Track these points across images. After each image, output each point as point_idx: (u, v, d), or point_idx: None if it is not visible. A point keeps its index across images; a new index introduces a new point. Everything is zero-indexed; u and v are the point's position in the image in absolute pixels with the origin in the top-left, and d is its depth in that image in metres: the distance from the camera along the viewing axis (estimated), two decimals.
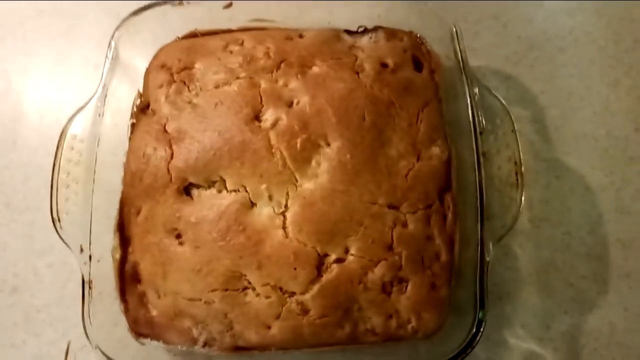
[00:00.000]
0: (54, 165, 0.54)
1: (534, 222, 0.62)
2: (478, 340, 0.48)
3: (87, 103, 0.58)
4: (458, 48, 0.56)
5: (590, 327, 0.59)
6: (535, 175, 0.63)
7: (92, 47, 0.73)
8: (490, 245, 0.50)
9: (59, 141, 0.54)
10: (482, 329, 0.48)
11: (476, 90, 0.54)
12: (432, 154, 0.56)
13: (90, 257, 0.53)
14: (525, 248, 0.61)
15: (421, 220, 0.54)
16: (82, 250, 0.53)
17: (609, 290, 0.60)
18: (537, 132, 0.65)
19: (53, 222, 0.53)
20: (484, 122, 0.53)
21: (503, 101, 0.53)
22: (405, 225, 0.54)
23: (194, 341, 0.53)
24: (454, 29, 0.57)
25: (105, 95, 0.57)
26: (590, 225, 0.62)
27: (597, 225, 0.62)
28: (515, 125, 0.53)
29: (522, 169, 0.52)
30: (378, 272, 0.52)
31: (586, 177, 0.63)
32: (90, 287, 0.52)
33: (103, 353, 0.49)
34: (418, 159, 0.55)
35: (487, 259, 0.49)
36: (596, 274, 0.60)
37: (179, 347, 0.54)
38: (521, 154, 0.52)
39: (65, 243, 0.53)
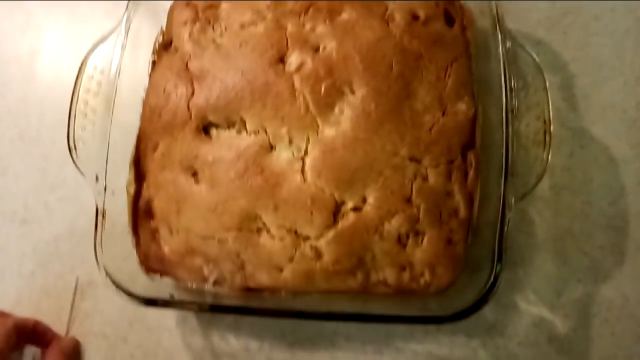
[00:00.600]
0: (73, 91, 0.53)
1: (554, 189, 0.61)
2: (494, 294, 0.47)
3: (109, 35, 0.56)
4: (493, 2, 0.54)
5: (602, 297, 0.58)
6: (559, 142, 0.62)
7: None
8: (512, 201, 0.49)
9: (80, 68, 0.54)
10: (498, 283, 0.47)
11: (509, 45, 0.52)
12: (458, 109, 0.55)
13: (105, 187, 0.52)
14: (544, 215, 0.60)
15: (442, 175, 0.53)
16: (97, 179, 0.52)
17: (625, 262, 0.59)
18: (564, 99, 0.63)
19: (69, 150, 0.52)
20: (514, 79, 0.52)
21: (536, 58, 0.52)
22: (425, 178, 0.53)
23: (204, 279, 0.53)
24: None
25: (128, 29, 0.56)
26: (612, 196, 0.60)
27: (618, 197, 0.60)
28: (547, 84, 0.51)
29: (551, 128, 0.50)
30: (395, 223, 0.52)
31: (611, 148, 0.62)
32: (103, 217, 0.51)
33: (113, 282, 0.49)
34: (443, 114, 0.54)
35: (508, 216, 0.49)
36: (614, 245, 0.59)
37: (189, 284, 0.53)
38: (551, 113, 0.51)
39: (80, 171, 0.52)
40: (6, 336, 0.54)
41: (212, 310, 0.48)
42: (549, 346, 0.58)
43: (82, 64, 0.54)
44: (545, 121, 0.51)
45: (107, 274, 0.49)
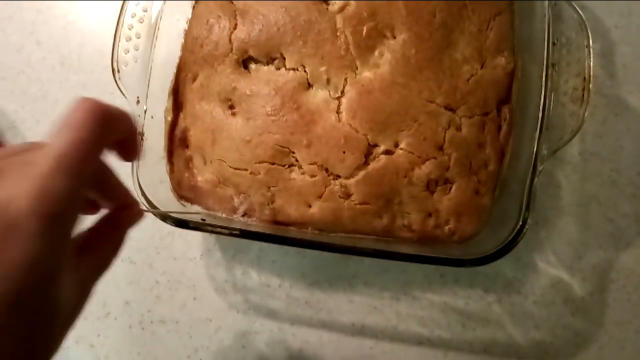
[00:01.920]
0: (119, 16, 0.54)
1: (583, 155, 0.61)
2: (521, 239, 0.48)
3: None
4: None
5: (622, 264, 0.59)
6: (593, 109, 0.62)
7: None
8: (545, 153, 0.49)
9: None
10: (525, 230, 0.47)
11: (554, 1, 0.52)
12: (497, 63, 0.55)
13: (145, 110, 0.53)
14: (571, 179, 0.61)
15: (476, 126, 0.53)
16: (138, 101, 0.53)
17: None
18: (602, 66, 0.63)
19: (112, 71, 0.53)
20: (558, 35, 0.51)
21: (582, 14, 0.51)
22: (459, 128, 0.53)
23: (234, 210, 0.54)
24: None
25: None
26: None
27: None
28: (590, 41, 0.51)
29: (590, 85, 0.50)
30: (425, 169, 0.52)
31: None
32: (142, 139, 0.52)
33: (148, 202, 0.50)
34: (482, 66, 0.54)
35: (540, 168, 0.49)
36: (638, 214, 0.59)
37: (219, 213, 0.55)
38: (592, 69, 0.50)
39: (122, 92, 0.53)
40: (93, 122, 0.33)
41: (242, 236, 0.49)
42: (564, 307, 0.59)
43: None
44: (584, 78, 0.51)
45: (143, 193, 0.50)
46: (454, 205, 0.53)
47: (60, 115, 0.33)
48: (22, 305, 0.28)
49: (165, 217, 0.50)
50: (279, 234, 0.52)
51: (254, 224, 0.54)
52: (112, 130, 0.35)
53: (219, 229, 0.50)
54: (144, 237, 0.62)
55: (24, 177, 0.29)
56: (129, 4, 0.55)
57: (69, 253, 0.32)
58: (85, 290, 0.36)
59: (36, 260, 0.28)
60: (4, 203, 0.28)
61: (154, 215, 0.50)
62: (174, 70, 0.57)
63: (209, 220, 0.53)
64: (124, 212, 0.41)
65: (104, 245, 0.38)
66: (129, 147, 0.39)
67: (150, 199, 0.52)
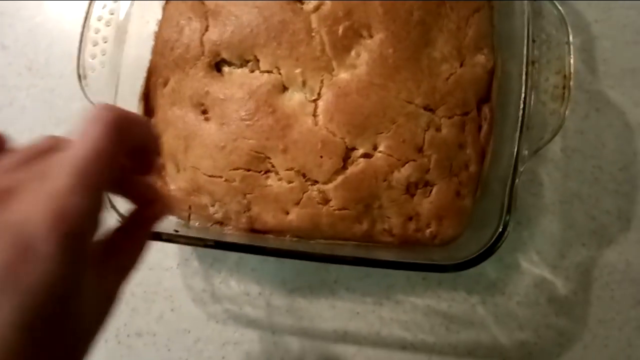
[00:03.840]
0: (85, 16, 0.52)
1: (565, 151, 0.60)
2: (502, 243, 0.47)
3: None
4: None
5: (605, 262, 0.58)
6: (574, 105, 0.61)
7: None
8: (526, 154, 0.48)
9: None
10: (506, 233, 0.47)
11: None
12: (476, 61, 0.53)
13: None
14: (553, 176, 0.60)
15: (456, 126, 0.52)
16: None
17: (631, 228, 0.59)
18: (583, 61, 0.62)
19: (79, 77, 0.51)
20: (537, 32, 0.50)
21: (562, 10, 0.50)
22: (439, 129, 0.52)
23: (210, 218, 0.53)
24: None
25: None
26: (624, 162, 0.60)
27: (630, 164, 0.60)
28: (570, 37, 0.50)
29: (571, 83, 0.49)
30: (404, 172, 0.51)
31: (627, 113, 0.61)
32: None
33: (118, 212, 0.48)
34: (461, 65, 0.53)
35: (520, 169, 0.48)
36: (621, 211, 0.59)
37: (194, 222, 0.53)
38: (572, 67, 0.49)
39: (90, 100, 0.51)
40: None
41: (217, 247, 0.48)
42: (548, 307, 0.58)
43: None
44: (565, 75, 0.50)
45: (112, 206, 0.48)
46: (434, 208, 0.52)
47: (77, 121, 0.30)
48: (44, 329, 0.27)
49: None
50: (256, 243, 0.50)
51: (230, 233, 0.53)
52: (131, 138, 0.32)
53: (193, 241, 0.48)
54: None
55: (40, 194, 0.27)
56: (94, 6, 0.53)
57: (90, 265, 0.30)
58: (112, 296, 0.34)
59: (56, 283, 0.27)
60: (19, 224, 0.26)
61: None
62: (144, 74, 0.55)
63: (182, 231, 0.51)
64: (148, 209, 0.38)
65: (128, 247, 0.36)
66: (147, 159, 0.36)
67: (120, 209, 0.50)
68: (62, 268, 0.27)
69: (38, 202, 0.27)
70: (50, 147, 0.30)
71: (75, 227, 0.27)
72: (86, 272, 0.29)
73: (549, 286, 0.58)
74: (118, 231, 0.36)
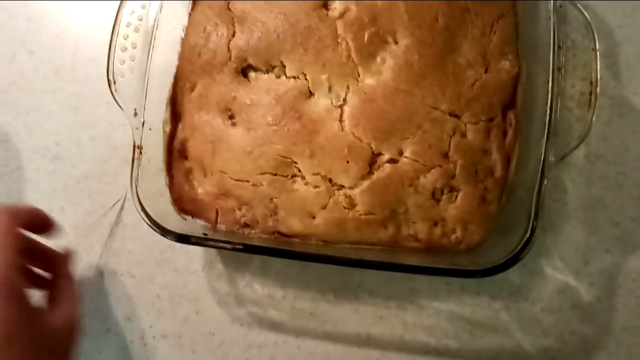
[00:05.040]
0: (114, 23, 0.52)
1: (589, 157, 0.60)
2: (529, 249, 0.47)
3: None
4: None
5: (630, 268, 0.58)
6: (598, 111, 0.59)
7: None
8: (553, 160, 0.48)
9: (122, 1, 0.53)
10: (533, 239, 0.47)
11: (560, 1, 0.51)
12: (501, 67, 0.54)
13: (143, 123, 0.52)
14: (576, 182, 0.60)
15: (481, 132, 0.52)
16: (135, 114, 0.52)
17: None
18: (607, 67, 0.62)
19: (108, 83, 0.52)
20: (563, 38, 0.50)
21: (588, 17, 0.51)
22: (464, 135, 0.52)
23: (236, 222, 0.53)
24: None
25: None
26: None
27: None
28: (597, 44, 0.50)
29: (597, 89, 0.49)
30: (430, 178, 0.51)
31: None
32: (140, 152, 0.51)
33: (148, 217, 0.49)
34: (486, 71, 0.53)
35: (547, 175, 0.48)
36: None
37: (221, 226, 0.53)
38: (599, 73, 0.49)
39: (119, 105, 0.52)
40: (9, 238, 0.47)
41: (245, 250, 0.48)
42: (572, 313, 0.58)
43: None
44: (591, 82, 0.50)
45: (143, 208, 0.49)
46: (460, 214, 0.52)
47: None
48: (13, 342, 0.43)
49: (166, 232, 0.49)
50: (283, 247, 0.51)
51: (256, 236, 0.53)
52: (28, 226, 0.50)
53: (221, 244, 0.48)
54: (144, 250, 0.61)
55: None
56: (124, 13, 0.53)
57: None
58: (71, 322, 0.50)
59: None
60: None
61: (155, 230, 0.49)
62: (172, 79, 0.56)
63: (209, 234, 0.52)
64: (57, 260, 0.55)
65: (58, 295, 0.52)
66: (44, 227, 0.53)
67: (150, 212, 0.50)
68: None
69: None
70: None
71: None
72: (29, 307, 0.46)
73: (572, 292, 0.58)
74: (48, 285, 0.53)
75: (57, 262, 0.55)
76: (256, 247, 0.49)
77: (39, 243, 0.53)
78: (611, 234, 0.59)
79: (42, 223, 0.53)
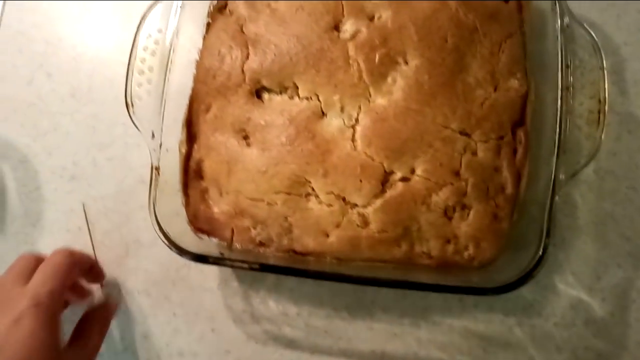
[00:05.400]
0: (131, 49, 0.54)
1: (598, 173, 0.61)
2: (541, 267, 0.47)
3: None
4: None
5: None
6: (606, 127, 0.61)
7: None
8: (563, 178, 0.49)
9: (139, 25, 0.54)
10: (546, 256, 0.47)
11: (567, 21, 0.52)
12: (510, 86, 0.55)
13: (160, 144, 0.53)
14: (587, 198, 0.60)
15: (491, 150, 0.53)
16: (153, 136, 0.53)
17: None
18: (614, 83, 0.62)
19: (127, 105, 0.53)
20: (570, 57, 0.51)
21: (594, 36, 0.51)
22: (475, 153, 0.53)
23: (252, 241, 0.54)
24: None
25: None
26: None
27: None
28: (604, 63, 0.51)
29: (606, 107, 0.50)
30: (442, 195, 0.52)
31: None
32: (157, 174, 0.52)
33: (166, 237, 0.50)
34: (495, 89, 0.54)
35: (558, 193, 0.49)
36: None
37: (236, 245, 0.54)
38: (607, 92, 0.50)
39: (137, 127, 0.53)
40: (65, 272, 0.54)
41: (262, 270, 0.49)
42: (586, 329, 0.58)
43: (140, 21, 0.55)
44: (600, 100, 0.51)
45: (161, 228, 0.50)
46: (472, 231, 0.53)
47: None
48: None
49: (183, 252, 0.50)
50: (297, 265, 0.52)
51: (271, 255, 0.54)
52: (78, 272, 0.58)
53: (238, 264, 0.49)
54: (160, 269, 0.62)
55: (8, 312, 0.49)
56: (141, 37, 0.55)
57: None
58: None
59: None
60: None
61: (173, 251, 0.50)
62: (187, 101, 0.57)
63: (225, 253, 0.53)
64: (97, 311, 0.59)
65: (89, 334, 0.56)
66: (95, 278, 0.62)
67: (167, 231, 0.51)
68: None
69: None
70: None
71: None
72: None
73: (585, 308, 0.58)
74: (81, 322, 0.57)
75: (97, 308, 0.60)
76: (272, 267, 0.50)
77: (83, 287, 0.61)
78: (623, 248, 0.59)
79: (95, 274, 0.61)
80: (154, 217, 0.50)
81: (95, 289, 0.62)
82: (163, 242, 0.51)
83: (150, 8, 0.55)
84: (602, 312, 0.58)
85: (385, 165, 0.52)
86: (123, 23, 0.70)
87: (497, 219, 0.53)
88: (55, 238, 0.64)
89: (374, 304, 0.60)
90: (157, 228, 0.50)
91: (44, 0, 0.72)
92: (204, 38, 0.58)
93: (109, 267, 0.63)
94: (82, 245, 0.63)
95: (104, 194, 0.65)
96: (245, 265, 0.49)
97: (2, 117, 0.68)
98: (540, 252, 0.47)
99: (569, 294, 0.59)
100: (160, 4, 0.56)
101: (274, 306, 0.60)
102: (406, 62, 0.54)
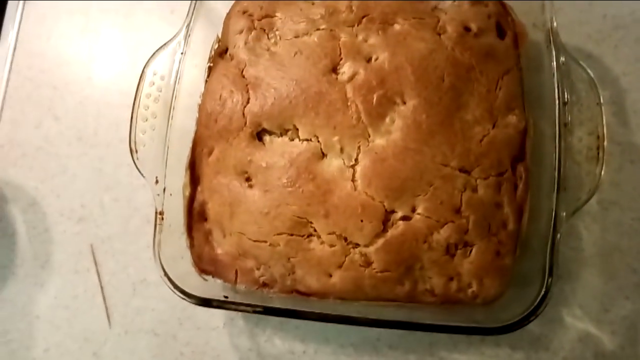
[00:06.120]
0: (135, 97, 0.55)
1: (602, 204, 0.61)
2: (544, 308, 0.47)
3: (169, 42, 0.58)
4: (548, 16, 0.54)
5: None
6: (608, 157, 0.60)
7: None
8: (564, 216, 0.49)
9: (142, 74, 0.56)
10: (548, 297, 0.47)
11: (563, 59, 0.53)
12: (508, 122, 0.55)
13: (164, 189, 0.54)
14: (591, 230, 0.60)
15: (492, 186, 0.53)
16: (157, 181, 0.54)
17: None
18: (614, 114, 0.63)
19: (131, 152, 0.54)
20: (568, 93, 0.52)
21: (591, 73, 0.52)
22: (475, 190, 0.53)
23: (255, 282, 0.54)
24: None
25: (189, 35, 0.58)
26: None
27: None
28: (601, 99, 0.51)
29: (605, 143, 0.50)
30: (444, 233, 0.52)
31: None
32: (162, 218, 0.53)
33: (170, 281, 0.51)
34: (494, 126, 0.55)
35: (559, 230, 0.49)
36: None
37: (240, 286, 0.55)
38: (605, 128, 0.50)
39: (141, 173, 0.54)
40: None
41: (265, 313, 0.50)
42: None
43: (143, 70, 0.56)
44: (598, 136, 0.51)
45: (165, 273, 0.51)
46: (475, 268, 0.53)
47: None
48: None
49: (188, 295, 0.51)
50: (301, 306, 0.52)
51: (275, 295, 0.54)
52: None
53: (242, 307, 0.50)
54: (166, 308, 0.63)
55: None
56: (144, 85, 0.56)
57: None
58: None
59: None
60: None
61: (178, 295, 0.51)
62: (190, 144, 0.58)
63: (230, 295, 0.53)
64: None
65: None
66: None
67: (172, 275, 0.52)
68: None
69: None
70: None
71: None
72: None
73: (594, 341, 0.58)
74: None
75: None
76: (275, 310, 0.50)
77: None
78: (629, 280, 0.59)
79: None
80: (158, 262, 0.51)
81: None
82: (169, 287, 0.51)
83: (152, 56, 0.57)
84: (612, 346, 0.58)
85: (385, 204, 0.52)
86: (128, 67, 0.72)
87: (499, 256, 0.53)
88: (63, 279, 0.65)
89: (379, 341, 0.60)
90: (162, 273, 0.51)
91: (52, 47, 0.74)
92: (206, 82, 0.60)
93: (117, 307, 0.63)
94: (90, 285, 0.64)
95: (111, 235, 0.66)
96: (249, 309, 0.50)
97: (12, 161, 0.70)
98: (543, 292, 0.47)
99: (577, 327, 0.58)
100: (163, 52, 0.57)
101: (280, 344, 0.61)
102: (404, 102, 0.54)
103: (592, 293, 0.59)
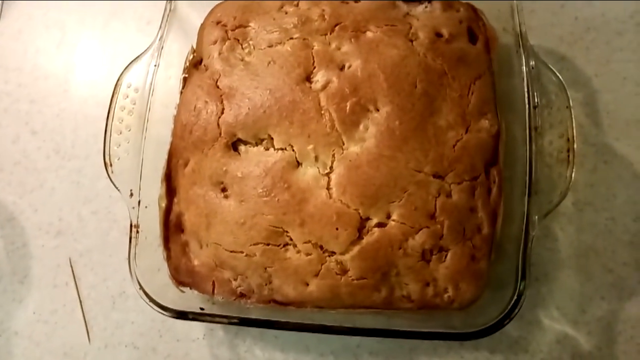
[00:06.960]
0: (109, 111, 0.55)
1: (577, 205, 0.61)
2: (517, 312, 0.47)
3: (143, 54, 0.59)
4: (517, 21, 0.55)
5: (627, 315, 0.58)
6: (582, 158, 0.62)
7: (145, 3, 0.74)
8: (536, 219, 0.49)
9: (115, 87, 0.56)
10: (522, 300, 0.47)
11: (532, 63, 0.53)
12: (481, 126, 0.55)
13: (139, 202, 0.54)
14: (567, 231, 0.61)
15: (466, 191, 0.54)
16: (131, 194, 0.54)
17: None
18: (587, 115, 0.63)
19: (105, 166, 0.54)
20: (538, 97, 0.52)
21: (560, 77, 0.53)
22: (449, 195, 0.53)
23: (233, 292, 0.54)
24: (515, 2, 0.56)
25: (162, 47, 0.58)
26: (636, 212, 0.60)
27: None
28: (570, 102, 0.52)
29: (575, 145, 0.51)
30: (419, 239, 0.52)
31: (635, 164, 0.62)
32: (137, 231, 0.53)
33: (146, 295, 0.51)
34: (467, 131, 0.55)
35: (532, 233, 0.49)
36: (638, 262, 0.59)
37: (218, 297, 0.55)
38: (575, 131, 0.51)
39: (116, 187, 0.54)
40: None
41: (241, 324, 0.50)
42: None
43: (117, 83, 0.56)
44: (568, 139, 0.51)
45: (141, 287, 0.51)
46: (450, 273, 0.53)
47: None
48: None
49: (164, 309, 0.51)
50: (278, 316, 0.52)
51: (253, 306, 0.54)
52: None
53: (218, 319, 0.50)
54: (146, 320, 0.63)
55: None
56: (118, 98, 0.56)
57: None
58: None
59: None
60: None
61: (154, 309, 0.50)
62: (166, 156, 0.58)
63: (207, 306, 0.53)
64: None
65: None
66: None
67: (149, 289, 0.52)
68: None
69: None
70: None
71: None
72: None
73: (572, 342, 0.58)
74: None
75: None
76: (252, 320, 0.50)
77: None
78: (605, 280, 0.59)
79: None
80: (134, 277, 0.51)
81: None
82: (144, 301, 0.51)
83: (126, 69, 0.57)
84: (589, 346, 0.58)
85: (360, 211, 0.53)
86: (105, 78, 0.72)
87: (475, 260, 0.53)
88: (42, 294, 0.65)
89: (360, 348, 0.60)
90: (137, 287, 0.51)
91: (29, 60, 0.74)
92: (181, 93, 0.60)
93: (96, 321, 0.63)
94: (69, 300, 0.64)
95: (89, 248, 0.66)
96: (225, 321, 0.50)
97: None
98: (517, 295, 0.47)
99: (554, 329, 0.59)
100: (136, 64, 0.57)
101: (260, 354, 0.61)
102: (377, 109, 0.55)
103: (569, 294, 0.59)
